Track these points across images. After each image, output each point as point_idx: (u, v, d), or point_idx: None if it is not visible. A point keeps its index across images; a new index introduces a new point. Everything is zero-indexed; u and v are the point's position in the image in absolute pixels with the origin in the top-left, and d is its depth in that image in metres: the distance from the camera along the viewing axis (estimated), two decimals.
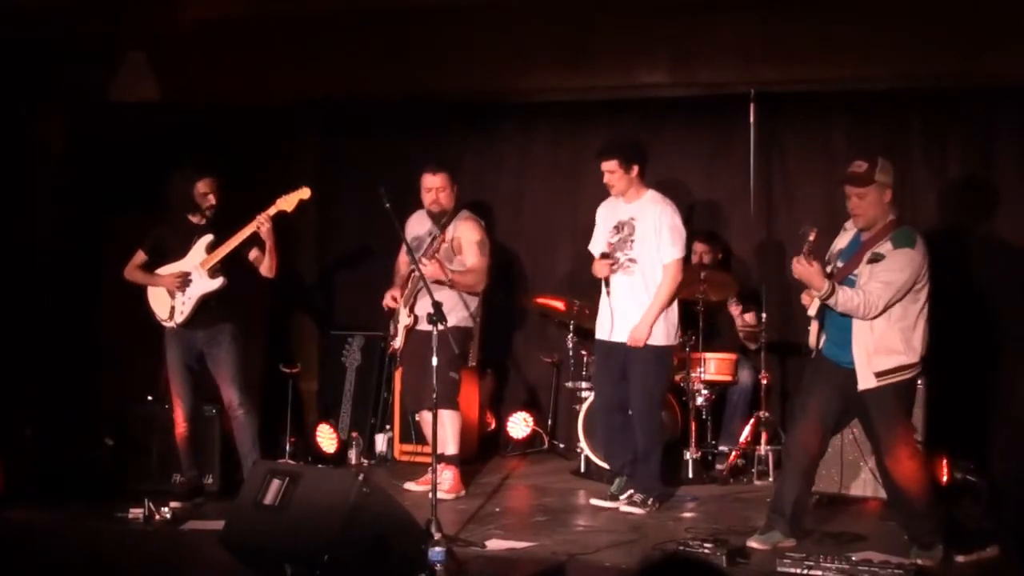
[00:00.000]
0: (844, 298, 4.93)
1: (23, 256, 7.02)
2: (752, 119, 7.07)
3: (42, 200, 7.16)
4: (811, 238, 4.94)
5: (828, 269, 5.09)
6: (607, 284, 6.07)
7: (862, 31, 6.62)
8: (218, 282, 6.16)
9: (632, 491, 6.02)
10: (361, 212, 7.79)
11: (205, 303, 6.17)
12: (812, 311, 5.16)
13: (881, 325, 4.95)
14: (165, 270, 6.23)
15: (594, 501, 6.15)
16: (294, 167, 7.84)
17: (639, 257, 6.02)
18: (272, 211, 6.11)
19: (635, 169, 6.04)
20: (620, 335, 6.04)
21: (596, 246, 6.25)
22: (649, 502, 5.97)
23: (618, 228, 6.10)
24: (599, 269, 6.09)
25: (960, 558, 4.94)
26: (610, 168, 6.05)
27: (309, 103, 7.70)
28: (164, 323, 6.24)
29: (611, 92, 7.36)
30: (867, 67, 6.75)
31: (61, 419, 6.89)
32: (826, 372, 5.15)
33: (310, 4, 7.19)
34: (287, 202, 6.14)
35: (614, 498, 6.08)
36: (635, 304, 6.01)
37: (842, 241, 5.24)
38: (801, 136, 7.39)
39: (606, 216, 6.22)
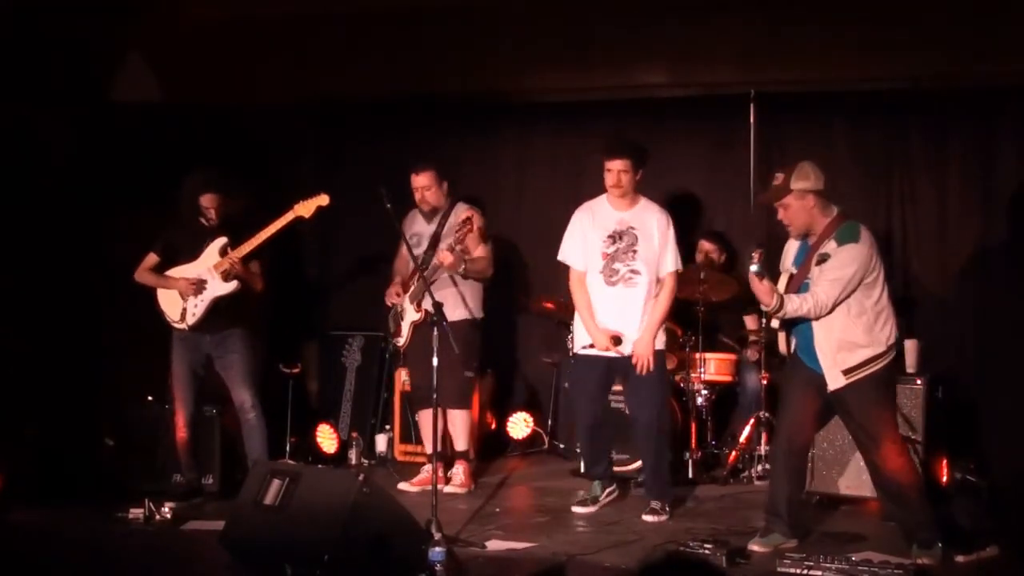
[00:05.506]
0: (793, 307, 4.97)
1: (24, 256, 7.01)
2: (752, 119, 7.06)
3: (44, 200, 7.15)
4: (755, 258, 4.99)
5: (783, 278, 5.14)
6: (596, 295, 5.88)
7: (862, 31, 6.63)
8: (232, 285, 6.13)
9: (652, 500, 5.86)
10: (361, 212, 7.77)
11: (216, 306, 6.15)
12: (775, 322, 5.24)
13: (841, 322, 4.97)
14: (177, 272, 6.20)
15: (576, 508, 5.98)
16: (294, 167, 7.85)
17: (643, 268, 5.82)
18: (289, 216, 6.08)
19: (640, 173, 5.87)
20: (623, 348, 5.84)
21: (574, 256, 5.96)
22: (667, 508, 5.85)
23: (614, 238, 5.86)
24: (602, 342, 5.81)
25: (960, 558, 4.93)
26: (623, 167, 5.81)
27: (309, 103, 7.70)
28: (175, 325, 6.22)
29: (611, 92, 7.35)
30: (867, 67, 6.76)
31: (61, 419, 6.89)
32: (802, 372, 5.16)
33: (310, 4, 7.19)
34: (305, 208, 6.12)
35: (595, 501, 6.00)
36: (640, 317, 5.81)
37: (793, 248, 5.27)
38: (801, 136, 7.38)
39: (592, 224, 5.93)
